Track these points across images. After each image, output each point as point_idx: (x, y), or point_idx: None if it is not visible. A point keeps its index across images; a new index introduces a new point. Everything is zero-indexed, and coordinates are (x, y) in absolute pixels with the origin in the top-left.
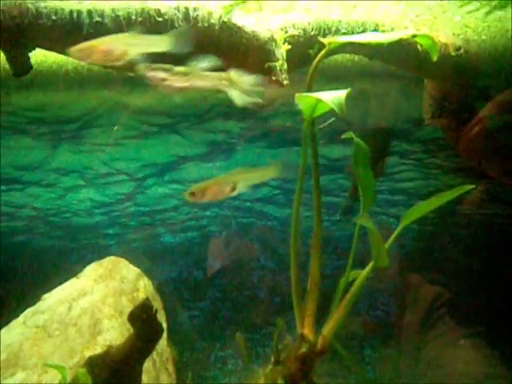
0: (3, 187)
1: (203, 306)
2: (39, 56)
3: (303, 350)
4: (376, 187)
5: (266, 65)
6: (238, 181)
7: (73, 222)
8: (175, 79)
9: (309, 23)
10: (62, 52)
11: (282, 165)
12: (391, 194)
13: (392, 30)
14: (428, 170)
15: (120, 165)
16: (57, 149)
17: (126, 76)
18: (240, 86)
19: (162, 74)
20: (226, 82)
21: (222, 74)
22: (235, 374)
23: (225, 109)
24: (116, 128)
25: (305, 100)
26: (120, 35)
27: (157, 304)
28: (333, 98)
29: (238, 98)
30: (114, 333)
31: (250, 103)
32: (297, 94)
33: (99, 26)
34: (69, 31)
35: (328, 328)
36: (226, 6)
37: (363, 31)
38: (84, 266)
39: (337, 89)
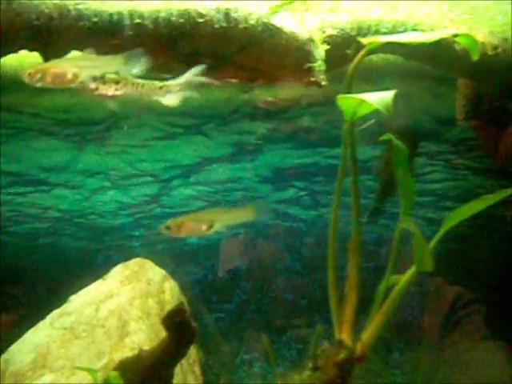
0: (30, 189)
1: (228, 308)
2: None
3: (342, 355)
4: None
5: (305, 66)
6: (215, 220)
7: (98, 223)
8: (106, 88)
9: (347, 23)
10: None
11: (258, 207)
12: (419, 196)
13: (431, 29)
14: (457, 171)
15: (145, 166)
16: (82, 150)
17: (151, 77)
18: (170, 89)
19: (92, 84)
20: (157, 88)
21: (154, 82)
22: (261, 377)
23: (250, 110)
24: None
25: (347, 101)
26: (72, 56)
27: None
28: (379, 99)
29: (169, 101)
30: (142, 335)
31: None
32: (339, 95)
33: (139, 28)
34: (109, 33)
35: (367, 334)
36: (272, 6)
37: (404, 31)
38: (109, 268)
39: (366, 90)
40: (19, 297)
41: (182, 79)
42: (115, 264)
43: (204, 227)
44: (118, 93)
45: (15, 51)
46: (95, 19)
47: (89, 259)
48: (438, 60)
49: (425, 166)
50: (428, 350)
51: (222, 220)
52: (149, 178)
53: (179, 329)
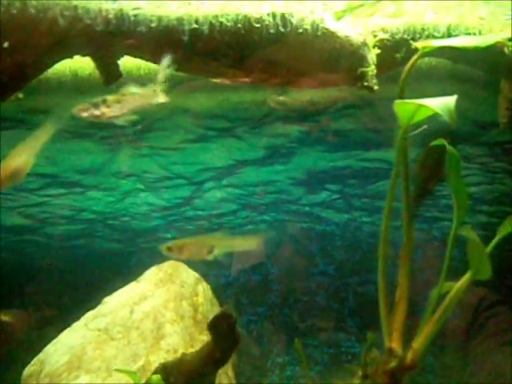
0: (64, 191)
1: (261, 311)
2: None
3: (392, 364)
4: (439, 192)
5: (359, 71)
6: (217, 245)
7: (131, 225)
8: (111, 110)
9: (398, 26)
10: (152, 60)
11: (263, 238)
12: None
13: (480, 33)
14: (494, 174)
15: (178, 169)
16: (116, 153)
17: (185, 79)
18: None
19: (96, 112)
20: (153, 91)
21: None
22: (293, 381)
23: (284, 112)
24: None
25: (403, 106)
26: None
27: (215, 309)
28: (441, 105)
29: (161, 98)
30: (177, 338)
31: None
32: (396, 101)
33: (195, 33)
34: (165, 39)
35: (419, 342)
36: (337, 12)
37: (456, 35)
38: (142, 270)
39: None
40: (53, 298)
41: (161, 76)
42: (148, 266)
43: (205, 251)
44: (124, 110)
45: (70, 56)
46: (152, 24)
47: (121, 261)
48: (487, 64)
49: (461, 169)
50: (456, 354)
51: (222, 246)
52: (182, 181)
53: (224, 334)
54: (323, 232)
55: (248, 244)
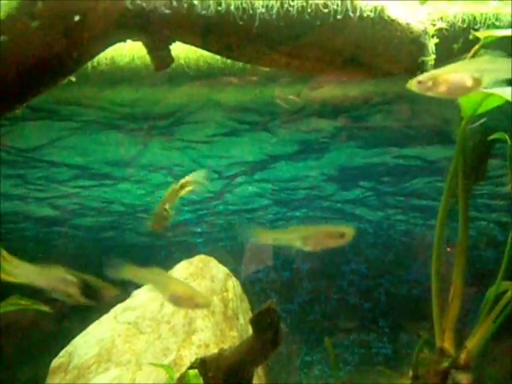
0: (94, 182)
1: (291, 308)
2: (132, 51)
3: (445, 364)
4: (476, 191)
5: (420, 59)
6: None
7: None
8: None
9: (455, 16)
10: (203, 47)
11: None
12: (491, 199)
13: None
14: None
15: (209, 162)
16: (147, 145)
17: (217, 72)
18: None
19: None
20: None
21: None
22: (321, 380)
23: (318, 107)
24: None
25: (469, 96)
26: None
27: (245, 305)
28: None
29: None
30: (208, 333)
31: None
32: None
33: (252, 18)
34: (220, 27)
35: (473, 342)
36: None
37: None
38: (171, 264)
39: None
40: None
41: None
42: (177, 260)
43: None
44: None
45: (124, 40)
46: (220, 8)
47: (151, 254)
48: None
49: (498, 168)
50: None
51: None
52: (213, 175)
53: (267, 330)
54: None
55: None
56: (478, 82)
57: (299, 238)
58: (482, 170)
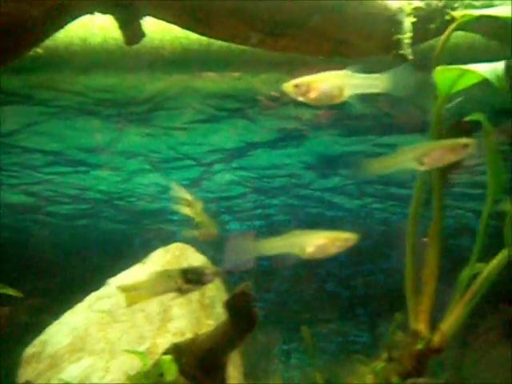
0: (69, 169)
1: (268, 297)
2: (104, 31)
3: (419, 346)
4: (454, 180)
5: (395, 37)
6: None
7: (137, 206)
8: None
9: None
10: (174, 22)
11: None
12: (469, 188)
13: None
14: (511, 163)
15: (187, 149)
16: (123, 131)
17: (196, 59)
18: None
19: None
20: None
21: None
22: (299, 369)
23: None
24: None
25: (445, 73)
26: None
27: (222, 294)
28: (489, 70)
29: None
30: (184, 321)
31: None
32: (437, 68)
33: None
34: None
35: (447, 324)
36: None
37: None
38: (148, 252)
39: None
40: (55, 278)
41: None
42: (154, 248)
43: None
44: None
45: (91, 12)
46: None
47: (127, 242)
48: None
49: (475, 157)
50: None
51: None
52: (190, 162)
53: (241, 314)
54: (334, 218)
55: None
56: (341, 93)
57: (415, 158)
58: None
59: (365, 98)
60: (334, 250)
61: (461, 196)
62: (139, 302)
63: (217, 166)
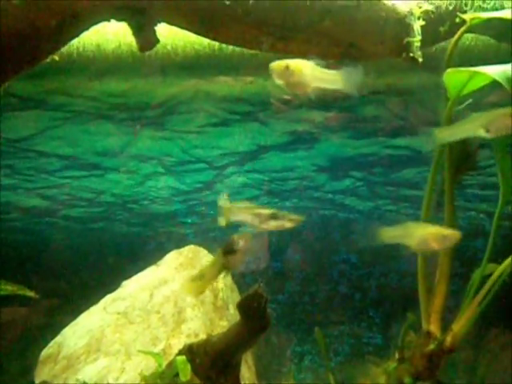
0: (84, 173)
1: (281, 299)
2: (117, 37)
3: (431, 347)
4: (467, 181)
5: (405, 40)
6: None
7: (150, 209)
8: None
9: None
10: (188, 29)
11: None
12: (482, 189)
13: None
14: None
15: (199, 153)
16: (137, 135)
17: (208, 63)
18: None
19: None
20: None
21: None
22: (312, 371)
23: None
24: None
25: (455, 76)
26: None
27: (235, 295)
28: (499, 72)
29: None
30: (198, 322)
31: None
32: (448, 70)
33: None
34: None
35: (458, 325)
36: None
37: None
38: (161, 254)
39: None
40: (72, 281)
41: None
42: (167, 251)
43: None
44: None
45: (107, 19)
46: None
47: (140, 245)
48: None
49: (489, 158)
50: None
51: None
52: (203, 165)
53: (254, 315)
54: (346, 219)
55: None
56: (308, 84)
57: (482, 125)
58: (472, 160)
59: (376, 100)
60: (442, 245)
61: (473, 197)
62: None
63: (229, 169)
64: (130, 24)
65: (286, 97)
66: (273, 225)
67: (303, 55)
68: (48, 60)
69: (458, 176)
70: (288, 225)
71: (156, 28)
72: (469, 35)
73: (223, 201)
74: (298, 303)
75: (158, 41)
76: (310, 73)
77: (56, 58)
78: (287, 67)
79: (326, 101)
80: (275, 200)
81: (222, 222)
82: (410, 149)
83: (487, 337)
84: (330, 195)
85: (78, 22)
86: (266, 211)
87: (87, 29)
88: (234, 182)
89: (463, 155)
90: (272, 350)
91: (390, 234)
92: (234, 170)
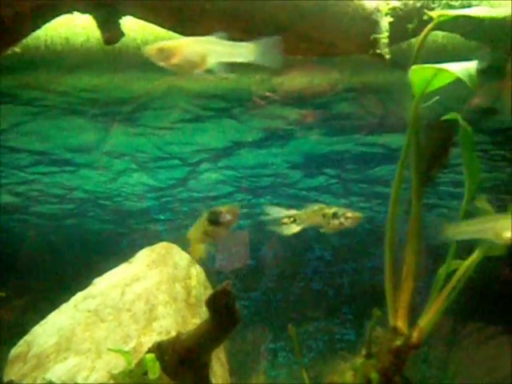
0: (55, 168)
1: (255, 296)
2: (86, 30)
3: (397, 342)
4: (438, 179)
5: (372, 37)
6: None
7: (124, 206)
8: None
9: None
10: (155, 22)
11: None
12: (454, 187)
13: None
14: (494, 162)
15: (173, 149)
16: (110, 131)
17: None
18: None
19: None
20: None
21: None
22: (286, 367)
23: (283, 94)
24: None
25: (420, 73)
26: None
27: (207, 292)
28: (462, 69)
29: None
30: (169, 320)
31: None
32: (413, 67)
33: None
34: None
35: (425, 320)
36: None
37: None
38: (134, 251)
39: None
40: (42, 278)
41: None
42: (140, 247)
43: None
44: None
45: (70, 11)
46: None
47: (113, 242)
48: (499, 40)
49: (460, 156)
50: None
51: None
52: (177, 161)
53: (223, 312)
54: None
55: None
56: (204, 60)
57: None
58: (443, 159)
59: (350, 97)
60: None
61: (446, 195)
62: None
63: (203, 166)
64: (94, 17)
65: (268, 93)
66: (335, 224)
67: (292, 53)
68: (10, 52)
69: (431, 173)
70: (347, 223)
71: (121, 21)
72: (444, 33)
73: (276, 209)
74: (272, 300)
75: (123, 34)
76: (206, 48)
77: (17, 50)
78: (161, 49)
79: (300, 98)
80: (249, 197)
81: (292, 229)
82: (383, 146)
83: (463, 333)
84: (304, 192)
85: (39, 14)
86: (330, 211)
87: (49, 21)
88: (208, 179)
89: (435, 153)
90: (246, 347)
91: (465, 229)
92: (207, 166)
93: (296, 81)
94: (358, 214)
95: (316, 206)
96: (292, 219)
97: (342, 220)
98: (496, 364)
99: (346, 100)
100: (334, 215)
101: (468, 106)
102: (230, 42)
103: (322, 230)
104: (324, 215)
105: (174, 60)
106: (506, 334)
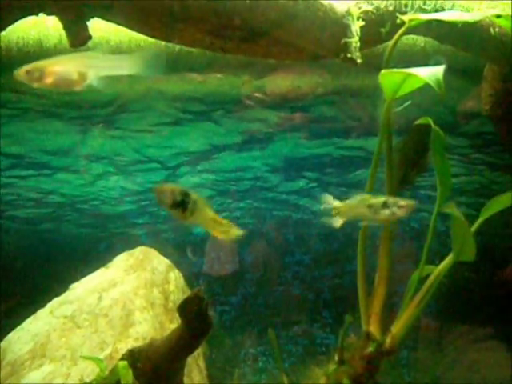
0: (31, 172)
1: (234, 300)
2: (59, 31)
3: (370, 349)
4: (418, 183)
5: (343, 41)
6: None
7: (101, 209)
8: None
9: None
10: (125, 25)
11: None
12: (434, 190)
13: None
14: (473, 165)
15: (152, 152)
16: (87, 134)
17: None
18: None
19: None
20: None
21: None
22: (266, 372)
23: (262, 97)
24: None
25: (390, 77)
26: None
27: None
28: (429, 74)
29: None
30: (146, 325)
31: None
32: (382, 71)
33: None
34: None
35: (398, 326)
36: None
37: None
38: (112, 256)
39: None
40: (17, 284)
41: None
42: (118, 252)
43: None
44: None
45: (36, 13)
46: None
47: (91, 246)
48: (472, 44)
49: (446, 147)
50: (430, 348)
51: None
52: (155, 165)
53: (195, 318)
54: (300, 220)
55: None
56: (83, 76)
57: None
58: (423, 163)
59: (330, 100)
60: None
61: (425, 198)
62: None
63: (182, 169)
64: (60, 18)
65: (257, 95)
66: (386, 214)
67: (242, 54)
68: None
69: (411, 177)
70: (400, 212)
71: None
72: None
73: (329, 199)
74: (252, 304)
75: (89, 37)
76: (83, 63)
77: None
78: (28, 71)
79: (282, 101)
80: (228, 200)
81: (337, 222)
82: (363, 150)
83: (449, 337)
84: (284, 196)
85: (7, 14)
86: (378, 200)
87: (12, 23)
88: (187, 182)
89: (415, 156)
90: (225, 352)
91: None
92: (186, 169)
93: (277, 83)
94: (411, 202)
95: (359, 196)
96: (336, 211)
97: (395, 209)
98: (479, 368)
99: (326, 103)
100: (384, 205)
101: (461, 109)
102: (110, 56)
103: (363, 224)
104: (370, 206)
105: (48, 80)
106: (489, 338)
